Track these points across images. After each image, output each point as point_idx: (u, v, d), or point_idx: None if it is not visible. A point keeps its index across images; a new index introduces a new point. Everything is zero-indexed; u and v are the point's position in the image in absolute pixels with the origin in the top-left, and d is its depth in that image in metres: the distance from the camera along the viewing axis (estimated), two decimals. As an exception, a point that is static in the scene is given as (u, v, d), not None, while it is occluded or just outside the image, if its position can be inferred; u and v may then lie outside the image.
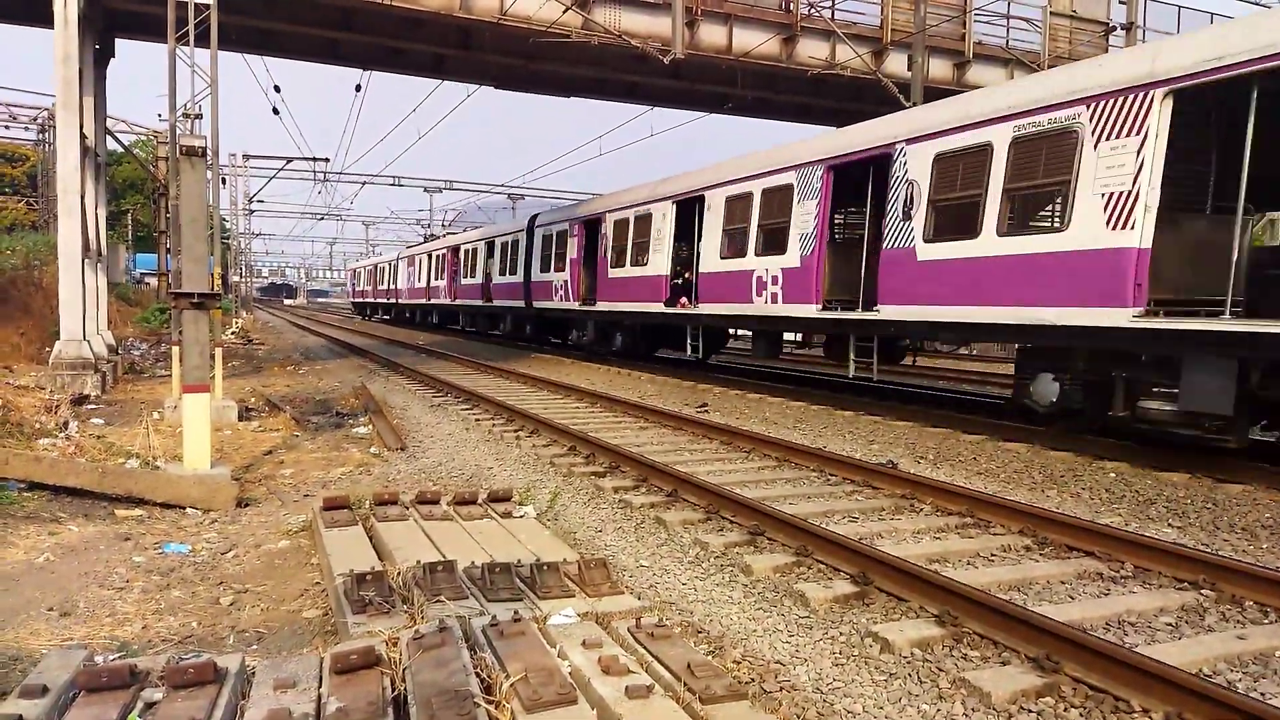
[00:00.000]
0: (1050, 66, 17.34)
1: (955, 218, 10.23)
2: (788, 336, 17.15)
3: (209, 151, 10.51)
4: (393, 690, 3.19)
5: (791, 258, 13.15)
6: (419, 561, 4.66)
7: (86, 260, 14.20)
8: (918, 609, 4.62)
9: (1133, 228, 8.05)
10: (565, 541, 5.72)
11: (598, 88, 21.34)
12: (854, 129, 12.82)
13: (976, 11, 19.07)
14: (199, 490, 7.13)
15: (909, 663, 4.05)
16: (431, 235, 45.73)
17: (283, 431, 11.27)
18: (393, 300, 47.93)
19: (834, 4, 18.34)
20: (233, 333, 31.77)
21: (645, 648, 3.70)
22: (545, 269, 23.31)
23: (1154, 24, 20.10)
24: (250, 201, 46.48)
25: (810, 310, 12.88)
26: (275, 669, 3.35)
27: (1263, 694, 3.72)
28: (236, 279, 44.27)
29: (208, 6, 12.41)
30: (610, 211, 19.84)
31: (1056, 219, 9.26)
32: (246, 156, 41.51)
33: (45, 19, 13.97)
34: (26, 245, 23.50)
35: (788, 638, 4.36)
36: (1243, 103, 7.52)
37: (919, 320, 10.75)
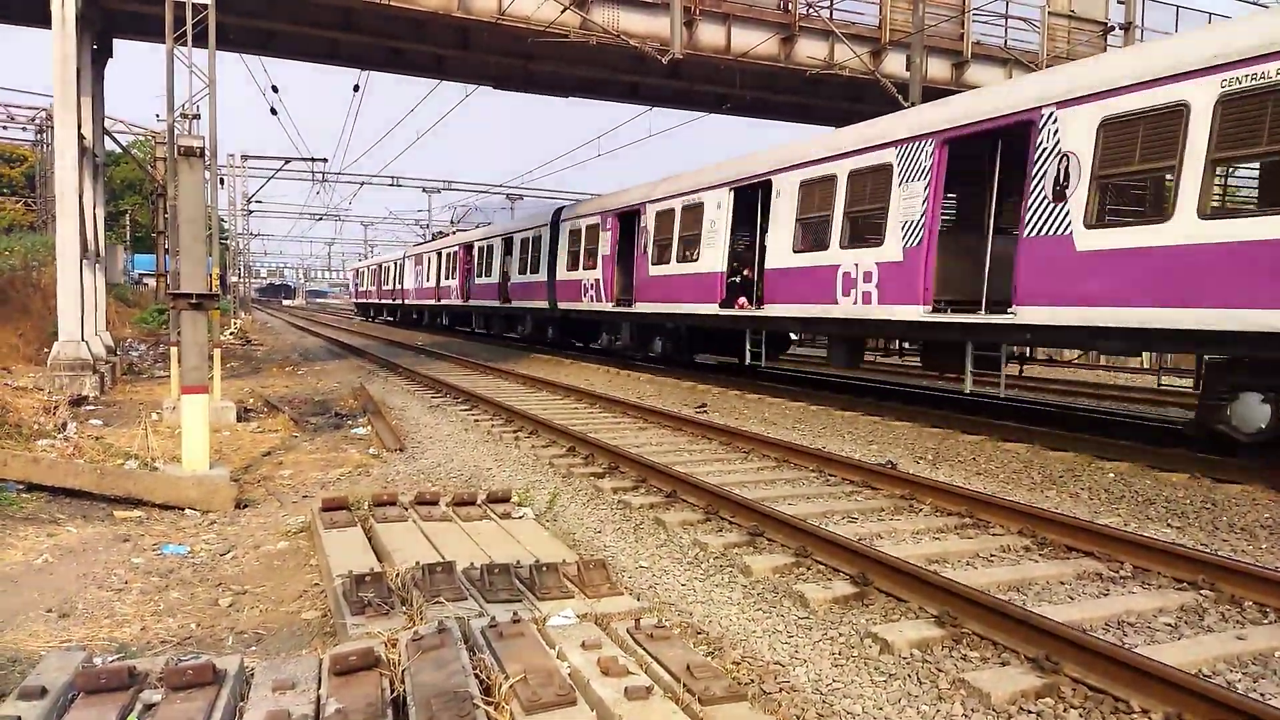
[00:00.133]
0: (1049, 67, 17.30)
1: (1133, 197, 8.82)
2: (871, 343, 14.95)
3: (207, 152, 10.51)
4: (392, 692, 3.19)
5: (891, 250, 11.17)
6: (418, 563, 4.65)
7: (85, 261, 14.19)
8: (917, 610, 4.62)
9: None
10: (564, 542, 5.72)
11: (596, 88, 21.29)
12: (971, 95, 11.13)
13: (975, 11, 19.09)
14: (198, 491, 7.13)
15: (908, 663, 4.05)
16: (439, 233, 43.64)
17: (281, 432, 11.27)
18: (399, 301, 45.31)
19: (832, 4, 18.33)
20: (231, 333, 31.70)
21: (644, 649, 3.69)
22: (573, 267, 21.36)
23: (1152, 24, 20.15)
24: (248, 202, 46.45)
25: (915, 312, 10.82)
26: (274, 670, 3.35)
27: (1262, 694, 3.72)
28: (235, 279, 44.13)
29: (205, 7, 12.43)
30: (651, 202, 17.72)
31: None
32: (245, 157, 41.57)
33: (43, 19, 13.95)
34: (25, 246, 23.44)
35: (787, 638, 4.36)
36: None
37: (1074, 325, 8.85)
